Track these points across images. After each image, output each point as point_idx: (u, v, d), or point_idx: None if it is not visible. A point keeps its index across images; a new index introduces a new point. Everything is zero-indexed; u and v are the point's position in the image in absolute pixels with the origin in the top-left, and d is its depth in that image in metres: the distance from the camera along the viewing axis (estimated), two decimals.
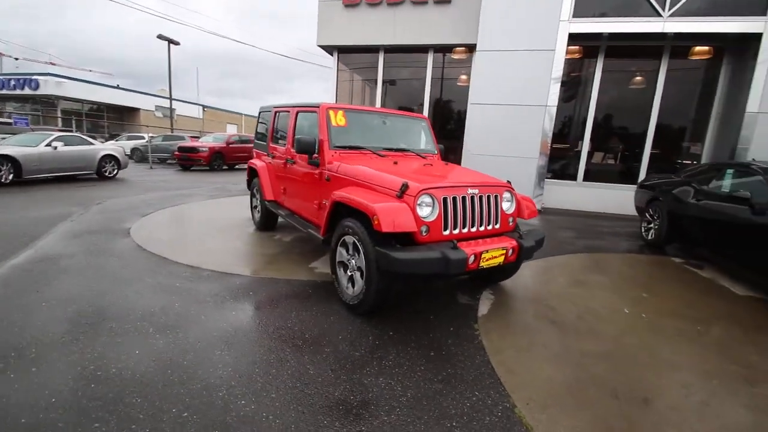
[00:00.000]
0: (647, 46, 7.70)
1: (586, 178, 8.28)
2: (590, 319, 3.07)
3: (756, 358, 2.61)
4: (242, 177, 12.40)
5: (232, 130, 36.38)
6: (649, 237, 5.60)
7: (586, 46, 7.82)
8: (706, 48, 7.47)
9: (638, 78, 8.05)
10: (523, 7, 7.34)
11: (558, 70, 7.37)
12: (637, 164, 8.11)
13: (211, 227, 5.29)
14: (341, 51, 9.28)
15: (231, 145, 14.59)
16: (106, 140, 18.42)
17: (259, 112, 5.44)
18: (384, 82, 9.18)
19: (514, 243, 2.93)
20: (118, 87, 29.33)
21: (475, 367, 2.32)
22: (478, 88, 7.76)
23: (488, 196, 2.99)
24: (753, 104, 6.63)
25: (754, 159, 5.13)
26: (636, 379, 2.30)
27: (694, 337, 2.87)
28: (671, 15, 6.82)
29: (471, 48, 8.49)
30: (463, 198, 2.84)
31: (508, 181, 3.25)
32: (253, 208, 5.41)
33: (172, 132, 19.86)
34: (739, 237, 4.03)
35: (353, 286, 2.93)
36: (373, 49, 9.04)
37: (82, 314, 2.64)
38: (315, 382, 2.07)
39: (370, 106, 3.67)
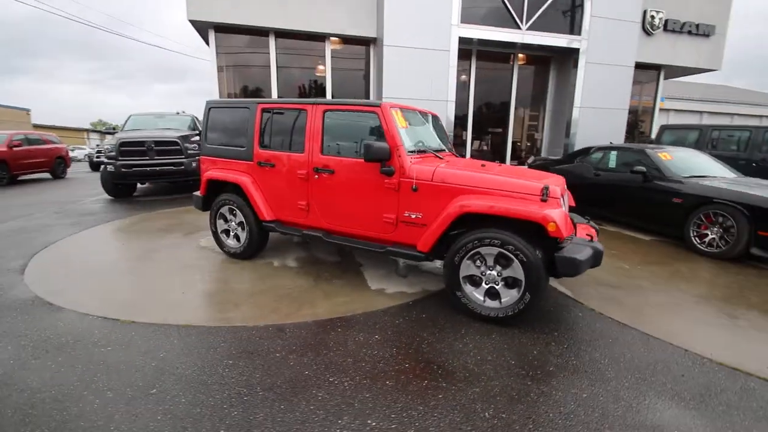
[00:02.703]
0: (502, 52, 9.45)
1: None
2: (623, 278, 3.85)
3: (726, 280, 3.88)
4: (59, 191, 9.04)
5: None
6: None
7: (465, 48, 8.95)
8: (540, 55, 9.71)
9: (499, 78, 9.81)
10: (421, 10, 7.79)
11: (454, 68, 8.25)
12: (504, 149, 9.99)
13: (163, 268, 3.83)
14: (219, 30, 7.72)
15: (16, 149, 10.17)
16: None
17: (208, 109, 4.15)
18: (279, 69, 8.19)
19: (593, 230, 3.39)
20: None
21: (664, 347, 2.59)
22: (390, 82, 7.90)
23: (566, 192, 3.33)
24: (577, 101, 9.12)
25: (611, 142, 7.17)
26: (723, 308, 3.11)
27: (681, 276, 3.99)
28: (528, 29, 8.56)
29: (368, 41, 8.51)
30: (563, 195, 3.09)
31: None
32: (220, 233, 4.16)
33: None
34: (633, 199, 5.66)
35: (494, 298, 2.81)
36: (261, 32, 7.90)
37: None
38: (607, 407, 2.00)
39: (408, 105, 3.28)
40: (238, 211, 3.94)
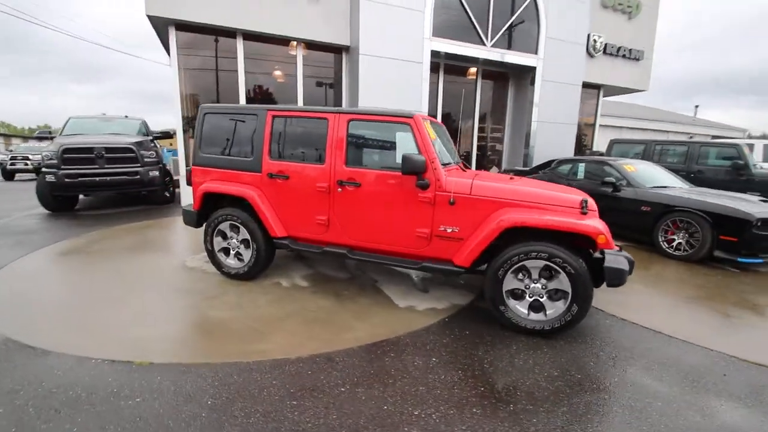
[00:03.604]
0: (468, 67, 9.84)
1: None
2: None
3: (700, 280, 4.30)
4: None
5: None
6: None
7: (434, 61, 9.15)
8: (501, 71, 10.24)
9: (464, 91, 10.16)
10: (395, 21, 7.82)
11: (426, 80, 8.39)
12: (469, 159, 10.34)
13: (154, 294, 3.36)
14: (181, 28, 7.06)
15: None
16: None
17: (203, 114, 3.74)
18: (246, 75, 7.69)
19: None
20: None
21: (692, 349, 2.81)
22: (366, 91, 7.80)
23: None
24: (535, 115, 9.73)
25: (576, 155, 7.71)
26: (713, 307, 3.42)
27: (665, 279, 4.37)
28: (492, 46, 8.98)
29: (340, 49, 8.34)
30: None
31: None
32: (218, 251, 3.73)
33: None
34: (604, 208, 6.10)
35: (537, 311, 2.83)
36: (228, 33, 7.38)
37: None
38: (684, 413, 2.08)
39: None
40: (242, 228, 3.58)
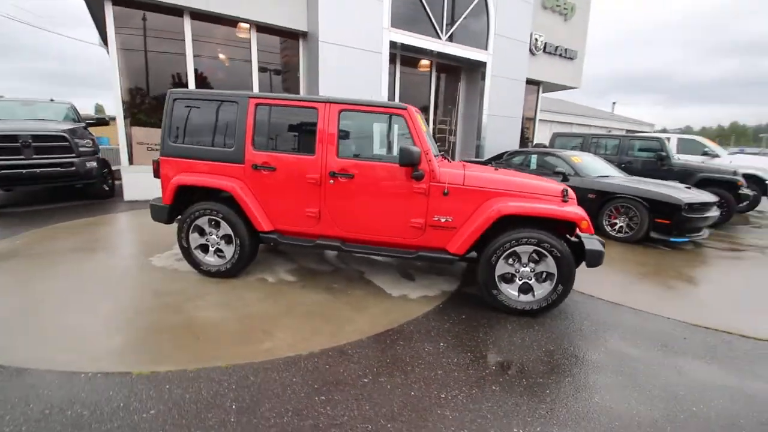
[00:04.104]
0: (422, 59, 10.01)
1: None
2: None
3: (642, 258, 4.88)
4: None
5: None
6: None
7: (391, 52, 9.17)
8: (454, 65, 10.55)
9: (419, 83, 10.33)
10: (355, 9, 7.70)
11: (385, 70, 8.40)
12: None
13: (128, 299, 3.09)
14: (118, 3, 6.32)
15: None
16: None
17: (172, 100, 3.44)
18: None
19: None
20: None
21: (653, 319, 3.22)
22: (326, 79, 7.62)
23: None
24: (485, 109, 10.21)
25: (526, 146, 8.21)
26: (659, 281, 3.92)
27: (614, 259, 4.89)
28: (446, 39, 9.22)
29: (297, 34, 8.03)
30: None
31: None
32: (194, 249, 3.48)
33: None
34: None
35: (526, 293, 3.04)
36: (173, 11, 6.75)
37: None
38: (665, 374, 2.38)
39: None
40: (222, 223, 3.38)
